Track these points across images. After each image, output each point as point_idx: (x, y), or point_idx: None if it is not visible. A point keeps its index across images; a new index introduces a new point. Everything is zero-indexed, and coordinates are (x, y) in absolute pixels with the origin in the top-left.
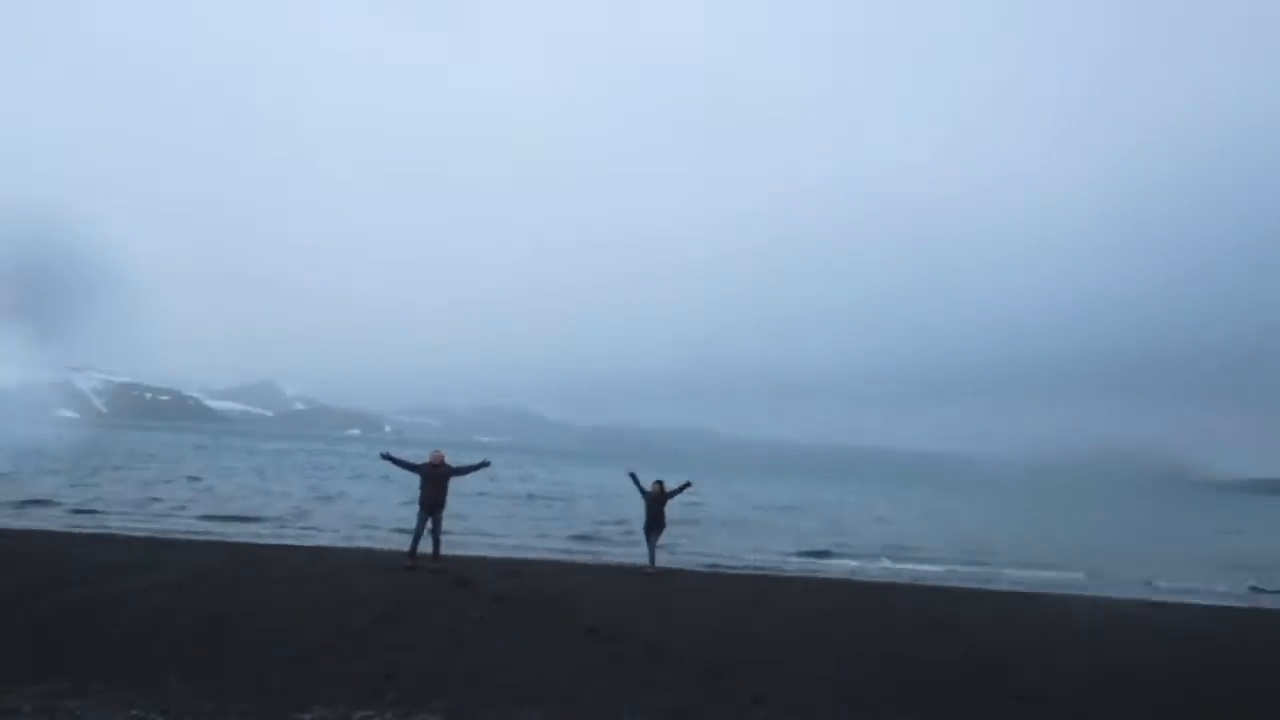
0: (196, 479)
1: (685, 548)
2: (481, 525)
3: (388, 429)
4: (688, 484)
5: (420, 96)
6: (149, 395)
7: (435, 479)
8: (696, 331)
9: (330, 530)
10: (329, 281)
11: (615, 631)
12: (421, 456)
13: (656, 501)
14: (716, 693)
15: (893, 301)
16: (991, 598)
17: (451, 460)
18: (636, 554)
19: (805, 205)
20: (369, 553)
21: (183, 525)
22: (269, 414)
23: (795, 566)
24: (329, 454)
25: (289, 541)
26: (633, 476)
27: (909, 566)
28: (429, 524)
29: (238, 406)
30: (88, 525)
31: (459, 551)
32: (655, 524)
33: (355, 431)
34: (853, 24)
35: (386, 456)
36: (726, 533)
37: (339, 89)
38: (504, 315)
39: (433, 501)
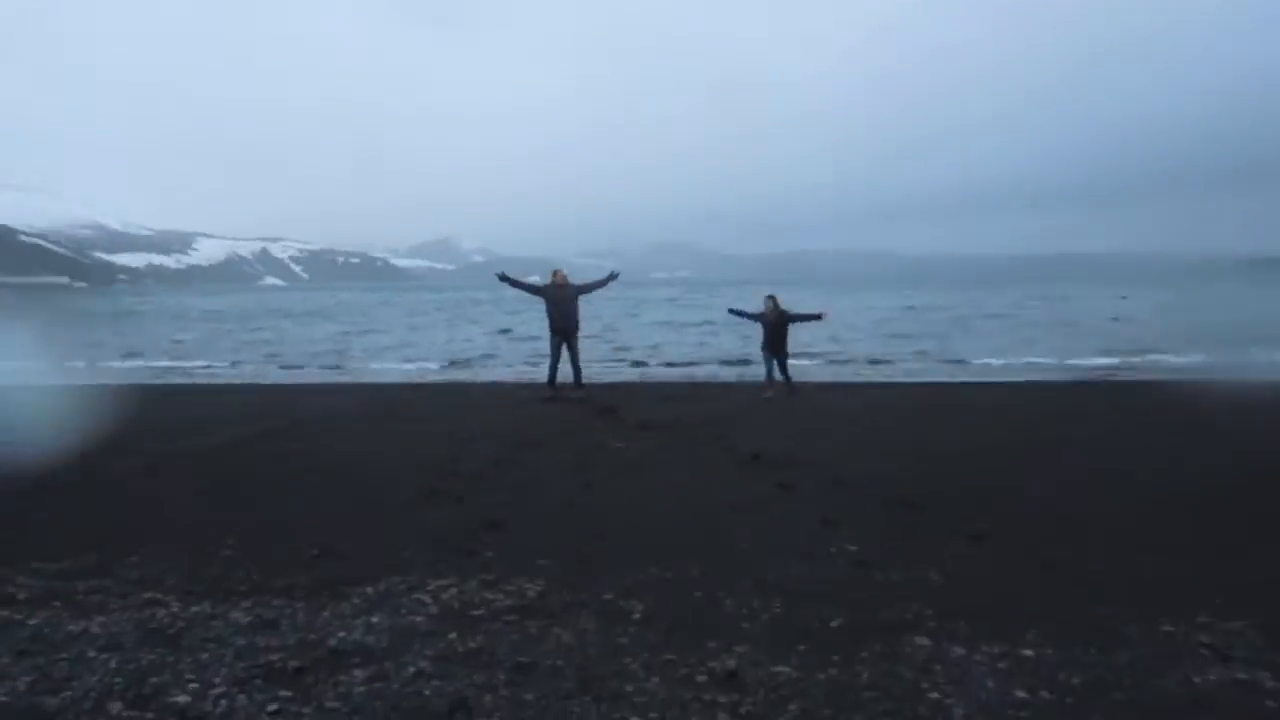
0: (354, 332)
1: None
2: (635, 353)
3: (572, 274)
4: (817, 315)
5: None
6: (340, 259)
7: (561, 301)
8: (866, 153)
9: (479, 367)
10: (494, 138)
11: (781, 458)
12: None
13: (773, 323)
14: (924, 529)
15: (1063, 102)
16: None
17: (574, 279)
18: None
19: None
20: (513, 387)
21: (317, 374)
22: (450, 268)
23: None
24: (496, 301)
25: (429, 380)
26: (735, 312)
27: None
28: (564, 349)
29: (421, 263)
30: (223, 376)
31: (609, 378)
32: (774, 346)
33: (535, 277)
34: None
35: (503, 277)
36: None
37: None
38: (672, 154)
39: (563, 325)
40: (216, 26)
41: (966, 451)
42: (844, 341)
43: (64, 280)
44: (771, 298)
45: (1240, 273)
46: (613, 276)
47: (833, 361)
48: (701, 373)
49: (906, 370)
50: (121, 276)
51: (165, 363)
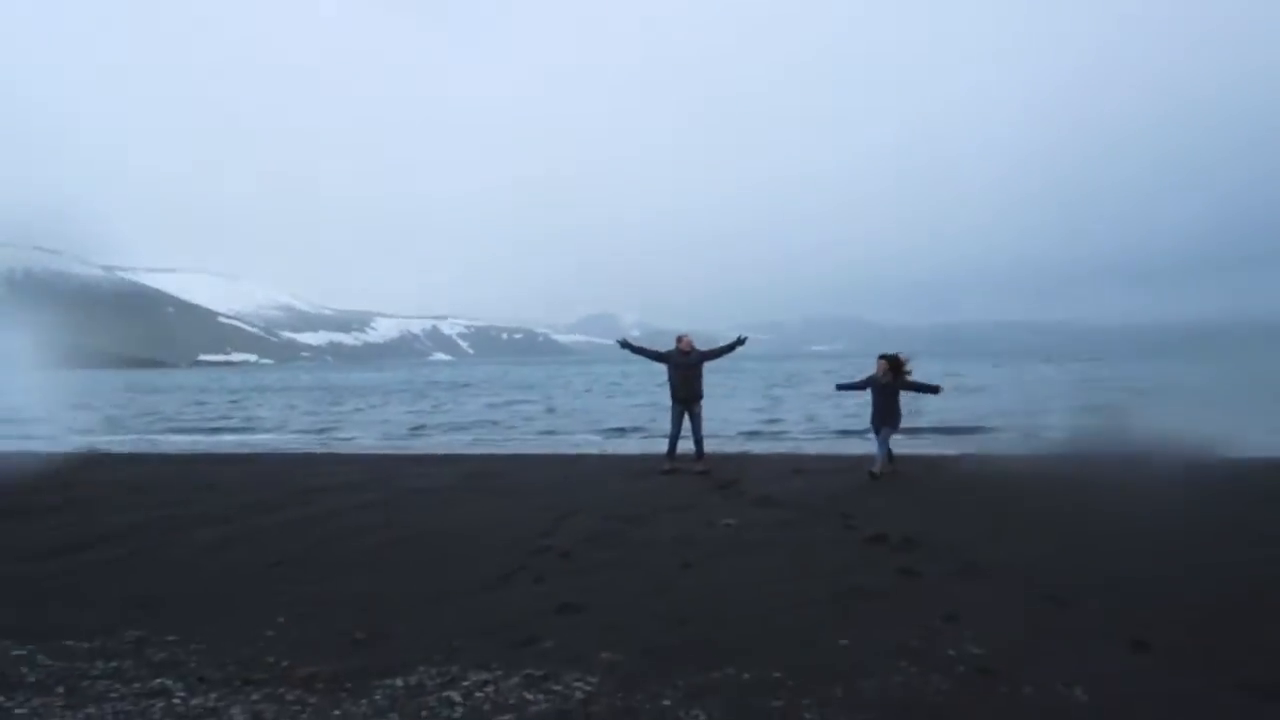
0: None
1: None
2: (781, 424)
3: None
4: (935, 388)
5: None
6: (505, 335)
7: (685, 367)
8: (1042, 221)
9: (600, 436)
10: (656, 217)
11: (908, 539)
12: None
13: (885, 387)
14: (1068, 629)
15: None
16: None
17: (701, 344)
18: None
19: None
20: (633, 459)
21: (427, 441)
22: (609, 342)
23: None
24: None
25: (535, 450)
26: (843, 386)
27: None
28: (685, 420)
29: (581, 338)
30: (345, 446)
31: (745, 447)
32: (884, 415)
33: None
34: None
35: (624, 344)
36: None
37: None
38: (834, 228)
39: (686, 393)
40: (382, 126)
41: (1124, 536)
42: (993, 413)
43: (253, 358)
44: (885, 358)
45: None
46: (740, 342)
47: (972, 432)
48: (844, 445)
49: (1053, 443)
50: (304, 354)
51: (290, 434)
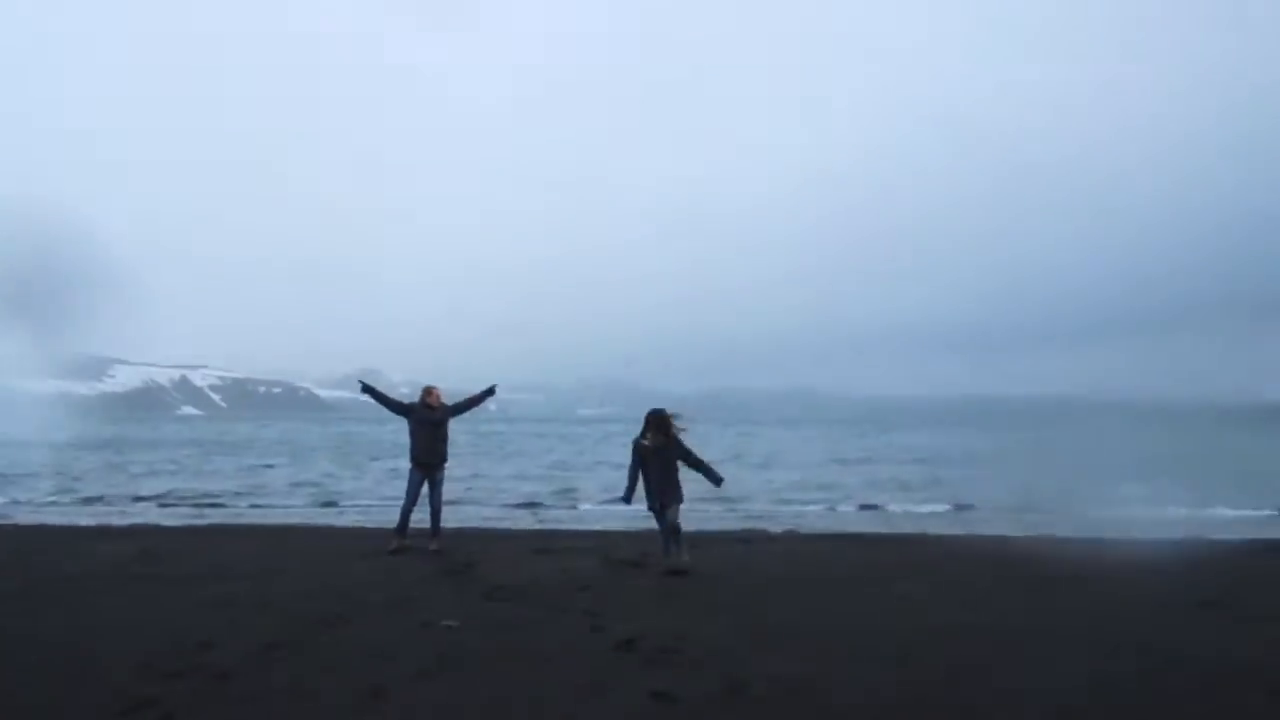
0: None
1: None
2: (539, 491)
3: (492, 407)
4: (717, 478)
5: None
6: (263, 389)
7: (430, 424)
8: (793, 293)
9: (342, 507)
10: (420, 272)
11: (664, 646)
12: (521, 432)
13: (658, 452)
14: None
15: (988, 245)
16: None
17: (448, 399)
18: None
19: (889, 158)
20: (356, 533)
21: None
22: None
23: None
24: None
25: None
26: (367, 390)
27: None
28: (424, 487)
29: (346, 394)
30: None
31: (495, 522)
32: (665, 488)
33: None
34: None
35: (367, 389)
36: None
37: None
38: (601, 291)
39: (429, 455)
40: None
41: (926, 635)
42: (750, 487)
43: None
44: (652, 415)
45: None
46: (490, 391)
47: (734, 507)
48: (610, 516)
49: (832, 518)
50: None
51: None
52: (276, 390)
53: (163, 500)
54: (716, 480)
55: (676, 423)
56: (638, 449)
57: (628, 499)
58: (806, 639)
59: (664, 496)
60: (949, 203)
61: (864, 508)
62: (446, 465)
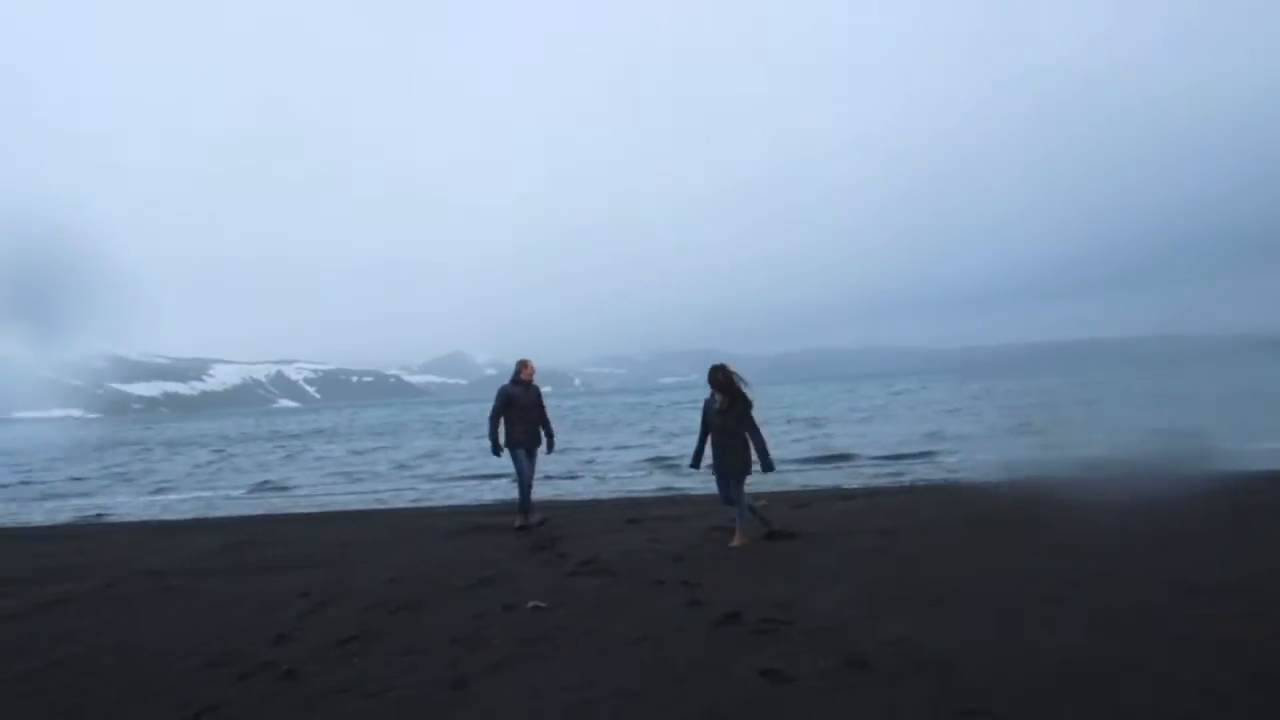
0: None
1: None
2: (628, 455)
3: (577, 382)
4: (768, 465)
5: None
6: (355, 378)
7: (528, 405)
8: (874, 251)
9: (440, 487)
10: (503, 251)
11: (772, 619)
12: (606, 404)
13: (722, 414)
14: None
15: (1060, 195)
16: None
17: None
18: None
19: (952, 109)
20: (441, 513)
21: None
22: (463, 382)
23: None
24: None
25: (326, 507)
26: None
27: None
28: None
29: (434, 379)
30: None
31: (579, 493)
32: (730, 457)
33: (547, 389)
34: None
35: (496, 450)
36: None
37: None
38: (678, 263)
39: (530, 436)
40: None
41: (1052, 598)
42: (838, 435)
43: (76, 412)
44: (716, 371)
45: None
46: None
47: (830, 460)
48: (695, 483)
49: (925, 471)
50: (136, 405)
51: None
52: (368, 379)
53: (256, 489)
54: (767, 464)
55: (740, 379)
56: (705, 409)
57: (695, 463)
58: (923, 604)
59: (723, 464)
60: (1029, 160)
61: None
62: (540, 445)
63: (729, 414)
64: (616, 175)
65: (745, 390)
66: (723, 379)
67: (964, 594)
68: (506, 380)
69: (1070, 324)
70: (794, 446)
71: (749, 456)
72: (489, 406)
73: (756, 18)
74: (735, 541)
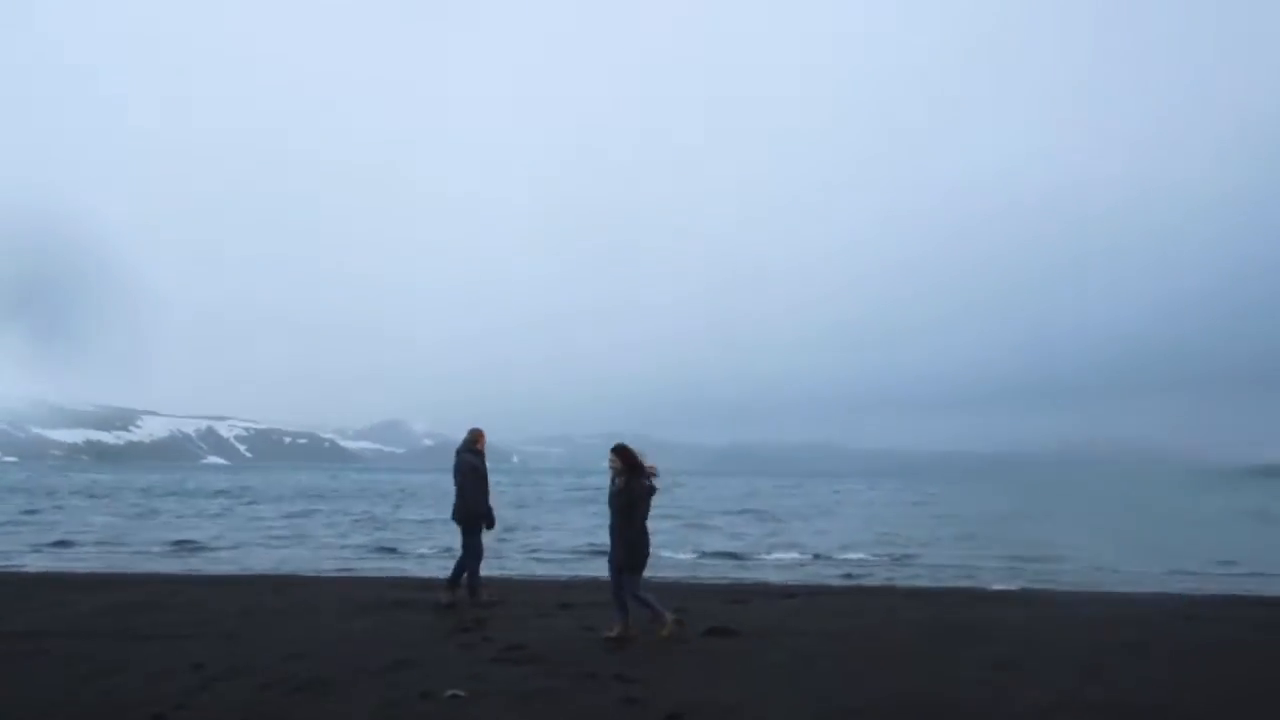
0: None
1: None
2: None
3: (515, 459)
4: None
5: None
6: (288, 439)
7: (484, 475)
8: (820, 347)
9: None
10: (443, 321)
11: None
12: (544, 484)
13: (617, 496)
14: None
15: (1011, 305)
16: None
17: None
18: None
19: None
20: (366, 584)
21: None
22: (400, 451)
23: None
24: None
25: (257, 570)
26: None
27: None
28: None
29: (370, 445)
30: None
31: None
32: (621, 546)
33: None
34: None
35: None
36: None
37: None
38: (623, 345)
39: (485, 507)
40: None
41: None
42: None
43: None
44: (616, 451)
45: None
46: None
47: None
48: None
49: (889, 571)
50: (55, 451)
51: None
52: (302, 441)
53: (172, 547)
54: (628, 560)
55: (645, 463)
56: (613, 484)
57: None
58: (882, 717)
59: (613, 551)
60: (965, 267)
61: (904, 562)
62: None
63: (620, 498)
64: (579, 254)
65: (645, 477)
66: (619, 458)
67: (919, 708)
68: (454, 450)
69: (1019, 435)
70: (722, 542)
71: (644, 547)
72: (439, 476)
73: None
74: (664, 632)
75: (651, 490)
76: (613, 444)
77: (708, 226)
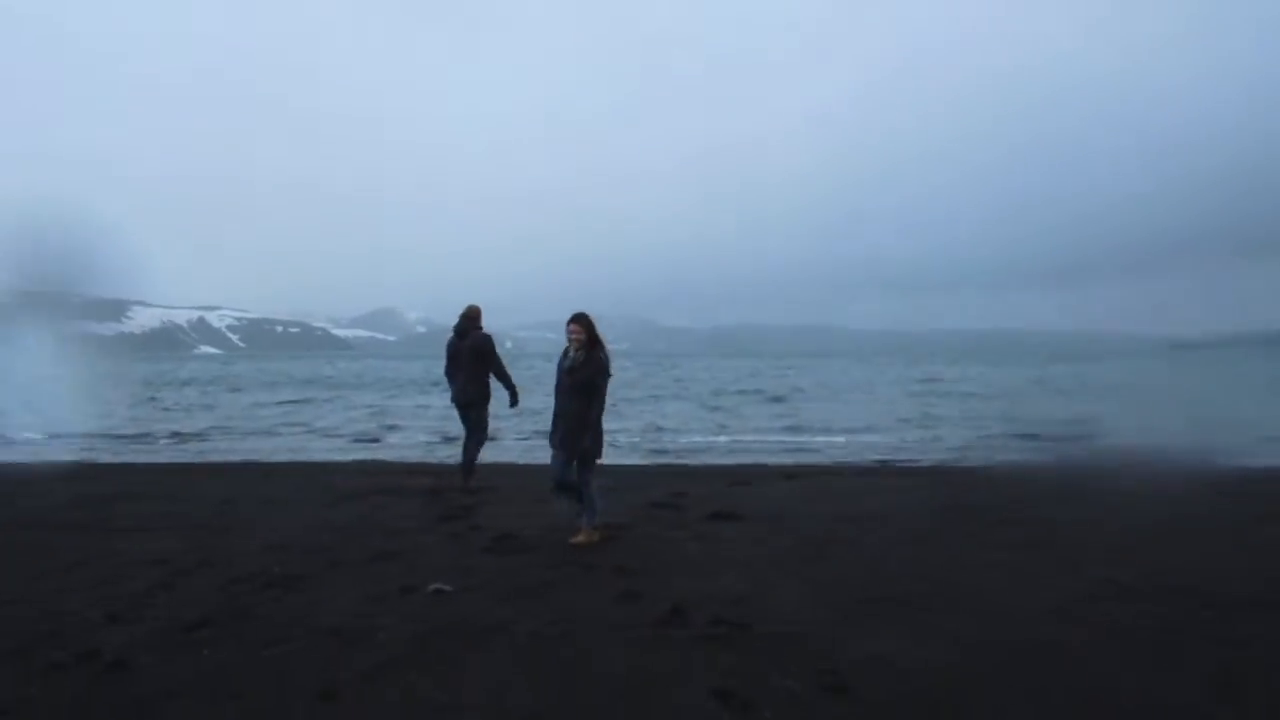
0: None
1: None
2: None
3: (509, 344)
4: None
5: None
6: (280, 328)
7: (462, 354)
8: (812, 229)
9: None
10: (432, 209)
11: (723, 617)
12: (538, 368)
13: (572, 372)
14: None
15: (1005, 179)
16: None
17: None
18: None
19: (901, 86)
20: (352, 468)
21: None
22: (392, 338)
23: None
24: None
25: (242, 457)
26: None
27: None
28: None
29: (363, 333)
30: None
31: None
32: (571, 428)
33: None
34: None
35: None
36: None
37: None
38: (617, 227)
39: (460, 394)
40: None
41: (1049, 606)
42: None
43: None
44: (576, 320)
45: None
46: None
47: (782, 440)
48: (634, 457)
49: (899, 452)
50: None
51: None
52: (294, 330)
53: (169, 439)
54: (587, 446)
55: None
56: (557, 368)
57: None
58: (898, 608)
59: (567, 437)
60: (952, 139)
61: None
62: (487, 404)
63: (579, 372)
64: (574, 140)
65: (604, 353)
66: (582, 328)
67: (943, 597)
68: (451, 330)
69: (999, 314)
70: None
71: (600, 434)
72: (433, 363)
73: None
74: (579, 538)
75: (606, 372)
76: (574, 313)
77: (687, 107)
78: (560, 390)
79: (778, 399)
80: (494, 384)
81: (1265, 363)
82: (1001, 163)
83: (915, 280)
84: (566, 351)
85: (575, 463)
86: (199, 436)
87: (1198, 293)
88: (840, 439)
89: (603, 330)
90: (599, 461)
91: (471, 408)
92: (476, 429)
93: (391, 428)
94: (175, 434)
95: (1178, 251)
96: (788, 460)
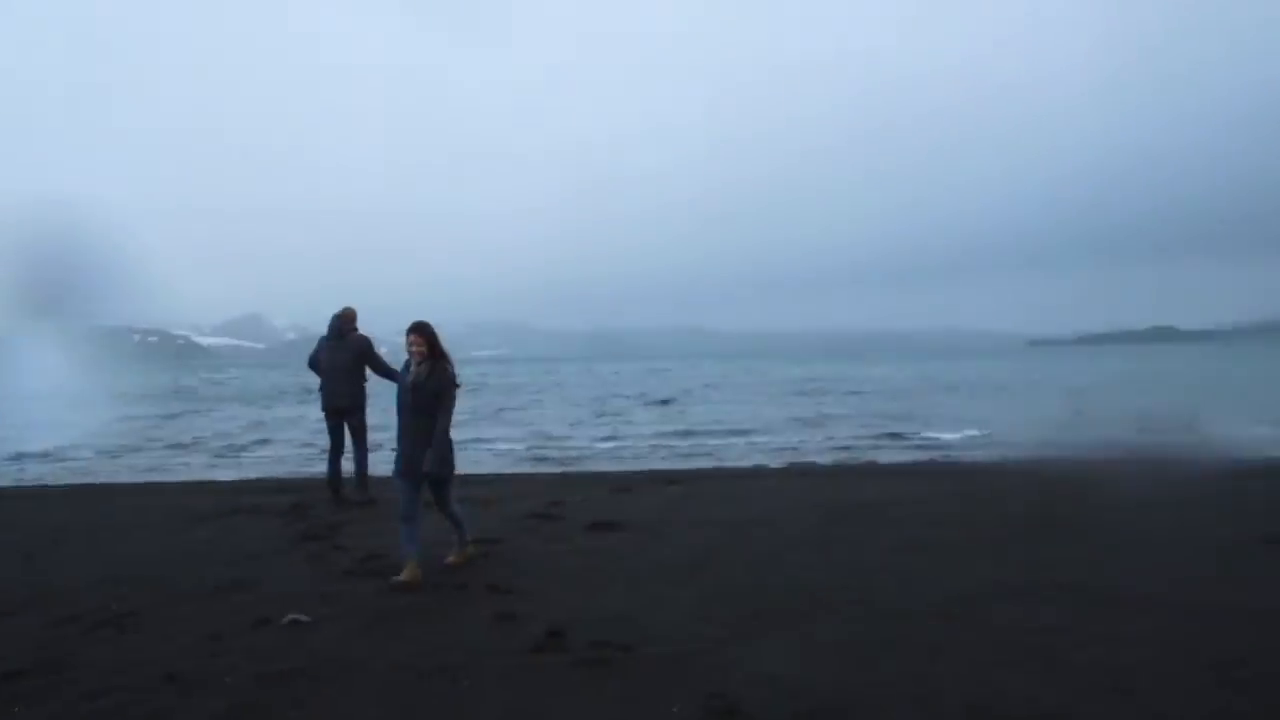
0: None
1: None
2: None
3: (384, 350)
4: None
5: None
6: (136, 337)
7: (338, 357)
8: (686, 230)
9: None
10: (309, 209)
11: (607, 639)
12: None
13: (419, 388)
14: None
15: (884, 184)
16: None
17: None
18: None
19: (789, 90)
20: (224, 488)
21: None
22: (260, 346)
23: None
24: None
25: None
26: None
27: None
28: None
29: (229, 341)
30: None
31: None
32: (421, 448)
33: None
34: None
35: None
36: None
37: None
38: (488, 230)
39: (333, 398)
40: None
41: (939, 611)
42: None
43: None
44: (416, 330)
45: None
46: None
47: (665, 442)
48: (514, 459)
49: (774, 455)
50: None
51: None
52: (152, 339)
53: (11, 459)
54: (435, 462)
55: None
56: (399, 384)
57: (399, 468)
58: (791, 619)
59: (413, 461)
60: (848, 140)
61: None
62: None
63: (425, 386)
64: (442, 129)
65: (449, 363)
66: (423, 338)
67: (831, 605)
68: (323, 336)
69: (868, 314)
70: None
71: (452, 447)
72: (305, 372)
73: None
74: (451, 558)
75: (454, 382)
76: (412, 323)
77: (568, 102)
78: (403, 408)
79: (663, 402)
80: (367, 389)
81: (1111, 360)
82: (873, 170)
83: (798, 281)
84: (408, 364)
85: (430, 484)
86: (36, 457)
87: (1057, 292)
88: (725, 441)
89: (457, 338)
90: (456, 474)
91: (348, 414)
92: (357, 435)
93: (262, 441)
94: (15, 454)
95: (1039, 251)
96: (671, 465)
